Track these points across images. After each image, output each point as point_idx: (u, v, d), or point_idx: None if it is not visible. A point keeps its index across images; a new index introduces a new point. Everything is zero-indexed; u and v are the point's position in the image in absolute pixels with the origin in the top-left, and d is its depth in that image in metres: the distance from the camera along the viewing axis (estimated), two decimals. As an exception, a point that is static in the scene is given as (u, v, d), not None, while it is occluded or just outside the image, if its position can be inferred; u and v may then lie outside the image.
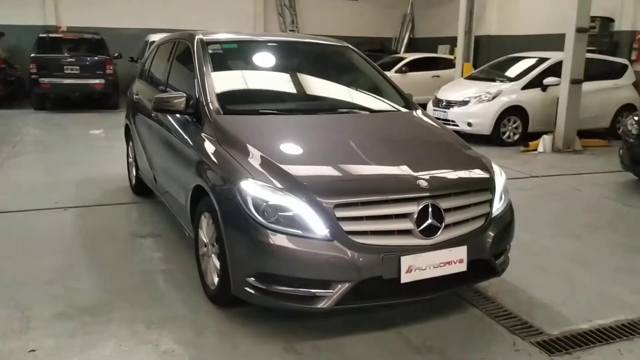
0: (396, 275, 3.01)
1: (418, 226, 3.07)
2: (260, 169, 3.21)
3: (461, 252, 3.17)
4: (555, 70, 9.62)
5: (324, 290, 2.97)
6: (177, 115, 4.14)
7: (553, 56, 10.11)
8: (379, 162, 3.42)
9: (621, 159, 7.01)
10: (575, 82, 9.06)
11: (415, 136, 3.90)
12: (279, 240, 2.97)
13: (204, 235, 3.58)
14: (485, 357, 3.06)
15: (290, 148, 3.55)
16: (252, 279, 3.07)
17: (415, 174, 3.24)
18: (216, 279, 3.44)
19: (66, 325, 3.28)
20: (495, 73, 10.49)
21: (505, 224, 3.48)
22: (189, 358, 2.99)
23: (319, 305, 2.99)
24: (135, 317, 3.37)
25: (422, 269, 3.06)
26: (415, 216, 3.07)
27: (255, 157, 3.31)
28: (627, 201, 6.35)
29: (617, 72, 10.83)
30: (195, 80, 4.01)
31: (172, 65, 4.83)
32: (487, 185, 3.43)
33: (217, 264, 3.39)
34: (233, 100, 3.96)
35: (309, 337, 3.20)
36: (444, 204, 3.16)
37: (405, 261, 3.01)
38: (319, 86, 4.63)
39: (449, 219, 3.16)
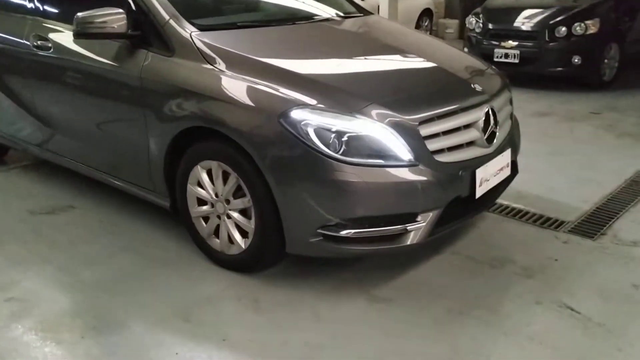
0: (471, 191, 2.71)
1: (483, 134, 2.78)
2: (308, 90, 2.53)
3: (507, 155, 3.00)
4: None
5: (412, 224, 2.54)
6: (97, 46, 3.08)
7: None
8: (419, 70, 3.00)
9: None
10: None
11: (414, 40, 3.49)
12: (357, 174, 2.41)
13: (210, 191, 2.78)
14: (553, 256, 3.00)
15: (319, 64, 2.89)
16: (322, 229, 2.48)
17: (464, 77, 2.91)
18: (242, 241, 2.73)
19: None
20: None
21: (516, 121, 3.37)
22: (280, 341, 2.36)
23: (408, 242, 2.56)
24: (175, 305, 2.53)
25: (487, 180, 2.81)
26: (482, 123, 2.77)
27: (290, 78, 2.61)
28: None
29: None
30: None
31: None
32: (507, 83, 3.25)
33: (244, 222, 2.69)
34: (191, 14, 3.04)
35: (382, 281, 2.76)
36: (496, 106, 2.91)
37: (479, 174, 2.73)
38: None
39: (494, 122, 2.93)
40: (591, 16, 6.74)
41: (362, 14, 3.75)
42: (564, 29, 6.71)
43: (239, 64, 2.69)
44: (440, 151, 2.59)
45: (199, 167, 2.79)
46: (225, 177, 2.72)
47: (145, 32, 2.91)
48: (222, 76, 2.66)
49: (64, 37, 3.32)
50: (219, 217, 2.81)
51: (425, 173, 2.51)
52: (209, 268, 2.89)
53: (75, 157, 3.59)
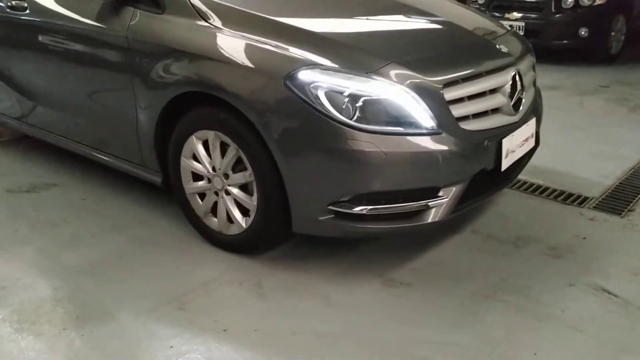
0: (497, 163, 2.45)
1: (510, 99, 2.51)
2: (317, 49, 2.24)
3: (532, 124, 2.73)
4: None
5: (434, 199, 2.27)
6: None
7: None
8: (439, 29, 2.73)
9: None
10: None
11: (430, 0, 3.18)
12: (374, 143, 2.13)
13: (206, 164, 2.50)
14: (581, 234, 2.75)
15: (329, 21, 2.60)
16: (334, 205, 2.21)
17: (488, 38, 2.63)
18: (242, 220, 2.46)
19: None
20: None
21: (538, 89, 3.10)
22: (292, 330, 2.10)
23: (429, 220, 2.29)
24: (169, 292, 2.26)
25: (513, 151, 2.55)
26: (509, 88, 2.49)
27: (296, 35, 2.32)
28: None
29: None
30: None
31: None
32: (530, 47, 2.97)
33: (245, 198, 2.41)
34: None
35: (397, 263, 2.51)
36: (522, 69, 2.63)
37: (505, 144, 2.46)
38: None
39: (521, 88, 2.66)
40: (599, -14, 6.45)
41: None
42: (570, -1, 6.42)
43: (238, 21, 2.39)
44: (464, 118, 2.32)
45: (193, 137, 2.50)
46: (224, 148, 2.43)
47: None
48: (219, 34, 2.36)
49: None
50: (216, 193, 2.53)
51: (449, 142, 2.24)
52: (205, 250, 2.62)
53: (57, 130, 3.28)
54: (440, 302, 2.27)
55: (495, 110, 2.47)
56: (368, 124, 2.14)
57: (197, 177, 2.59)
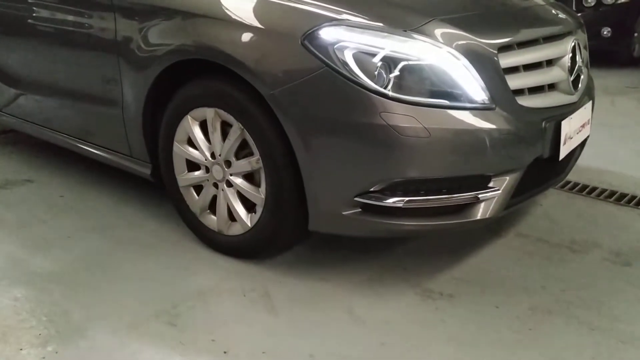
0: (554, 150, 2.02)
1: (569, 74, 2.10)
2: (343, 3, 1.83)
3: (589, 109, 2.31)
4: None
5: (485, 191, 1.84)
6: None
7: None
8: None
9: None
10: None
11: None
12: (414, 118, 1.70)
13: (204, 150, 2.07)
14: (649, 239, 2.32)
15: None
16: (361, 197, 1.78)
17: (541, 2, 2.23)
18: (246, 217, 2.03)
19: None
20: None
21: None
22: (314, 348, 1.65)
23: (478, 216, 1.86)
24: (156, 303, 1.81)
25: (571, 138, 2.13)
26: (569, 61, 2.08)
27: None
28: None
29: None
30: None
31: None
32: (582, 22, 2.56)
33: (251, 190, 1.98)
34: None
35: (435, 271, 2.07)
36: (581, 41, 2.23)
37: (564, 128, 2.03)
38: None
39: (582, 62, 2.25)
40: (623, -16, 6.09)
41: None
42: (592, -3, 6.05)
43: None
44: (520, 92, 1.90)
45: (189, 117, 2.08)
46: (225, 129, 2.01)
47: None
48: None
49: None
50: (215, 185, 2.10)
51: (504, 120, 1.82)
52: (202, 254, 2.18)
53: (33, 118, 2.85)
54: (491, 318, 1.83)
55: (551, 87, 2.06)
56: (406, 93, 1.72)
57: (192, 166, 2.17)
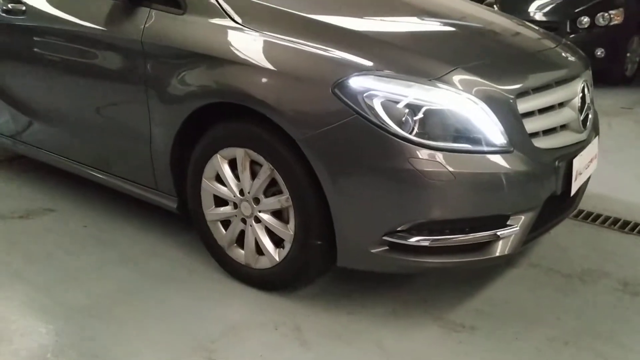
0: (566, 187, 2.13)
1: (579, 114, 2.22)
2: (370, 52, 1.94)
3: (595, 144, 2.43)
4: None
5: (504, 229, 1.95)
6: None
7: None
8: (500, 35, 2.43)
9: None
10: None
11: (479, 8, 2.87)
12: (441, 162, 1.81)
13: (233, 187, 2.16)
14: (655, 269, 2.43)
15: (377, 21, 2.29)
16: (389, 236, 1.88)
17: (551, 45, 2.35)
18: (274, 252, 2.12)
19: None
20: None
21: (593, 107, 2.81)
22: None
23: (497, 253, 1.97)
24: (193, 337, 1.89)
25: (581, 173, 2.24)
26: (579, 101, 2.20)
27: (343, 37, 2.01)
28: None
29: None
30: None
31: None
32: (587, 60, 2.69)
33: (279, 226, 2.08)
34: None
35: (454, 303, 2.17)
36: (589, 81, 2.35)
37: (576, 165, 2.15)
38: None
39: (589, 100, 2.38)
40: (614, 6, 6.26)
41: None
42: (586, 19, 6.21)
43: (274, 21, 2.09)
44: (535, 134, 2.01)
45: (218, 156, 2.17)
46: (255, 168, 2.10)
47: (149, -15, 2.29)
48: (253, 36, 2.04)
49: (41, -3, 2.67)
50: (244, 220, 2.19)
51: (522, 162, 1.92)
52: (230, 286, 2.27)
53: (56, 149, 2.93)
54: (512, 349, 1.93)
55: (562, 126, 2.17)
56: (432, 139, 1.82)
57: (219, 201, 2.26)
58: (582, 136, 2.24)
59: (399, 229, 1.87)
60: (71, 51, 2.58)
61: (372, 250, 1.91)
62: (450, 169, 1.81)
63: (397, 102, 1.82)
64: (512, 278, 2.35)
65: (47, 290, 2.25)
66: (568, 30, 6.28)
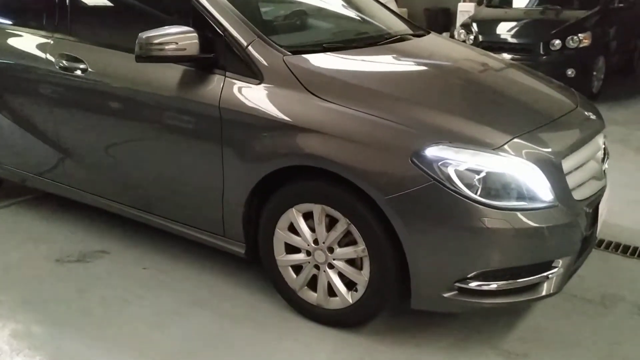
0: (592, 228, 2.50)
1: (601, 164, 2.60)
2: (441, 125, 2.24)
3: (608, 186, 2.80)
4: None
5: (551, 271, 2.29)
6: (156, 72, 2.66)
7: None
8: (537, 99, 2.78)
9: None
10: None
11: (493, 64, 3.20)
12: (506, 220, 2.13)
13: (307, 238, 2.43)
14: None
15: (437, 93, 2.60)
16: (461, 282, 2.20)
17: (574, 105, 2.71)
18: (347, 294, 2.40)
19: None
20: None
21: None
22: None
23: (544, 292, 2.31)
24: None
25: (601, 215, 2.61)
26: (602, 154, 2.57)
27: (415, 110, 2.31)
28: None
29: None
30: (205, 4, 2.56)
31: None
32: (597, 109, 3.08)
33: (353, 273, 2.37)
34: (270, 31, 2.68)
35: (504, 333, 2.50)
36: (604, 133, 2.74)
37: (601, 209, 2.52)
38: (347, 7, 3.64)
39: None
40: (583, 30, 6.78)
41: (419, 32, 3.45)
42: (558, 41, 6.71)
43: (350, 93, 2.36)
44: (573, 188, 2.36)
45: (294, 210, 2.43)
46: (330, 221, 2.37)
47: (219, 53, 2.52)
48: (333, 107, 2.31)
49: (106, 58, 2.85)
50: (317, 267, 2.46)
51: (565, 214, 2.27)
52: (302, 325, 2.53)
53: (110, 195, 3.11)
54: (562, 374, 2.27)
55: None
56: (498, 200, 2.14)
57: (290, 248, 2.51)
58: (603, 183, 2.60)
59: (469, 276, 2.18)
60: (137, 109, 2.77)
61: (445, 295, 2.22)
62: (515, 226, 2.13)
63: (467, 169, 2.13)
64: (545, 306, 2.69)
65: (138, 334, 2.46)
66: (541, 52, 6.77)
